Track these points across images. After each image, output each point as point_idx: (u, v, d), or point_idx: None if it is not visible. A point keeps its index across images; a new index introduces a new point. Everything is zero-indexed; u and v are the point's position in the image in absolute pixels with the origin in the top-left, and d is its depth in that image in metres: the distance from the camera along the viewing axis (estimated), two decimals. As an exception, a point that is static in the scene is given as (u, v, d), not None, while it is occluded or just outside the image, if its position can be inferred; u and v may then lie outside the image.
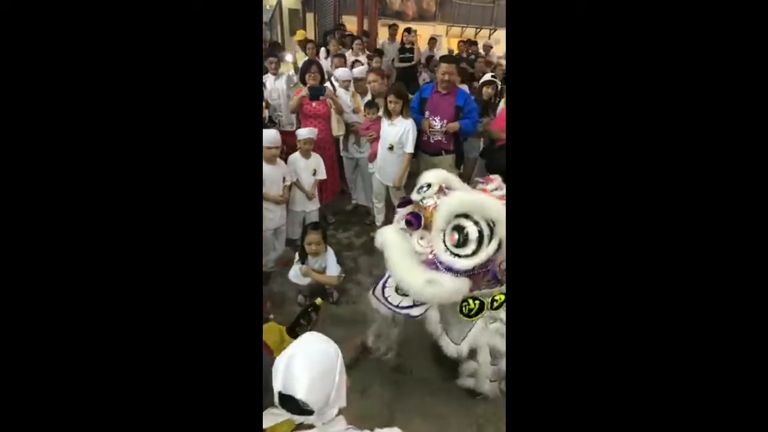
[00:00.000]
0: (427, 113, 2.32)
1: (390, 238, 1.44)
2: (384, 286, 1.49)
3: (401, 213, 1.53)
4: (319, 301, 1.33)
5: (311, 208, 2.37)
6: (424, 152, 2.38)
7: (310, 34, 5.88)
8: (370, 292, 1.51)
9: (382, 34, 4.83)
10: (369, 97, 2.62)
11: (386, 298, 1.45)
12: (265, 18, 6.86)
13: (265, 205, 2.08)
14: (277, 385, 0.71)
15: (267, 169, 2.04)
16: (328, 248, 2.02)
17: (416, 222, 1.39)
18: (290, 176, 2.18)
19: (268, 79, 2.88)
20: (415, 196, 1.48)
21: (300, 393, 0.69)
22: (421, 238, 1.40)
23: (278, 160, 2.12)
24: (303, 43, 3.69)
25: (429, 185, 1.45)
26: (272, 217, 2.12)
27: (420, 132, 2.30)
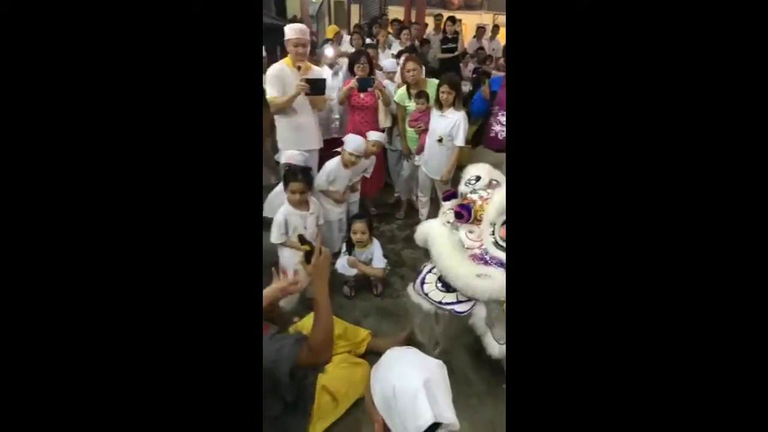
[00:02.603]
0: (496, 107, 2.23)
1: (436, 231, 1.41)
2: (422, 282, 1.46)
3: (447, 206, 1.49)
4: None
5: (353, 200, 2.37)
6: (488, 148, 2.30)
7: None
8: (409, 287, 1.48)
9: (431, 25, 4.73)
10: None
11: (426, 294, 1.42)
12: (312, 11, 6.97)
13: (326, 201, 2.14)
14: (426, 418, 0.66)
15: (342, 172, 2.11)
16: (374, 240, 2.00)
17: (466, 214, 1.35)
18: (358, 175, 2.20)
19: (327, 75, 2.76)
20: (463, 189, 1.43)
21: (451, 417, 0.68)
22: (470, 232, 1.36)
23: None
24: (338, 38, 3.63)
25: (478, 178, 1.41)
26: (335, 210, 2.18)
27: (487, 127, 2.23)
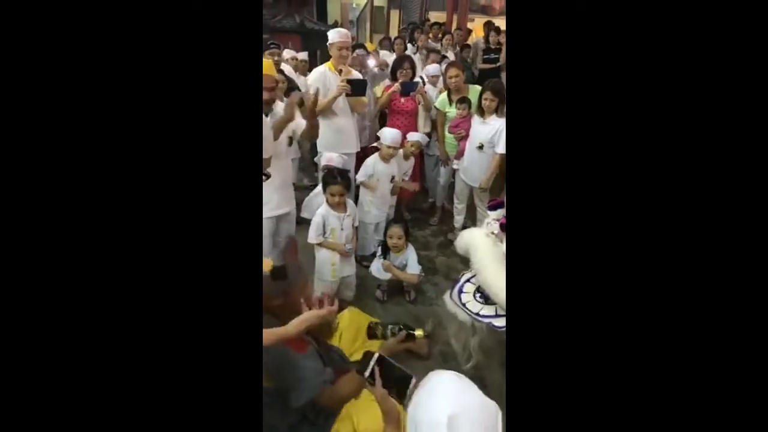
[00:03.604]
0: None
1: (479, 242, 1.37)
2: (460, 292, 1.43)
3: (492, 216, 1.46)
4: (419, 333, 1.10)
5: (391, 203, 2.37)
6: None
7: (394, 32, 5.92)
8: (446, 295, 1.46)
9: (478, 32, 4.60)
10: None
11: (464, 305, 1.39)
12: (352, 17, 7.09)
13: (370, 198, 2.15)
14: None
15: (381, 166, 2.13)
16: (410, 245, 1.99)
17: None
18: (399, 175, 2.21)
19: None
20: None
21: None
22: None
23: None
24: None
25: None
26: (375, 212, 2.19)
27: None
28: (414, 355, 1.77)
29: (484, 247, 1.34)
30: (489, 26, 4.32)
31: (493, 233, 1.38)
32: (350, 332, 1.51)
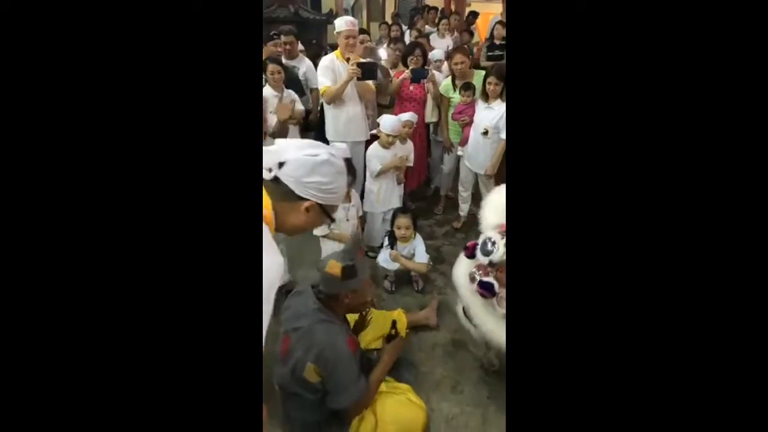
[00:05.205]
0: None
1: (465, 291, 1.29)
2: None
3: (471, 264, 1.32)
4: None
5: (398, 193, 2.34)
6: None
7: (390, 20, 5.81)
8: (459, 308, 1.41)
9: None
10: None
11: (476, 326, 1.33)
12: (347, 5, 6.97)
13: (375, 189, 2.12)
14: None
15: (382, 152, 2.10)
16: (417, 235, 1.97)
17: (489, 293, 1.21)
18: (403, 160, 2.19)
19: None
20: (481, 258, 1.25)
21: None
22: (502, 297, 1.21)
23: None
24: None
25: (493, 241, 1.23)
26: (383, 202, 2.18)
27: None
28: (425, 327, 1.78)
29: (471, 298, 1.28)
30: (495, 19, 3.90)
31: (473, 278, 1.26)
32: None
